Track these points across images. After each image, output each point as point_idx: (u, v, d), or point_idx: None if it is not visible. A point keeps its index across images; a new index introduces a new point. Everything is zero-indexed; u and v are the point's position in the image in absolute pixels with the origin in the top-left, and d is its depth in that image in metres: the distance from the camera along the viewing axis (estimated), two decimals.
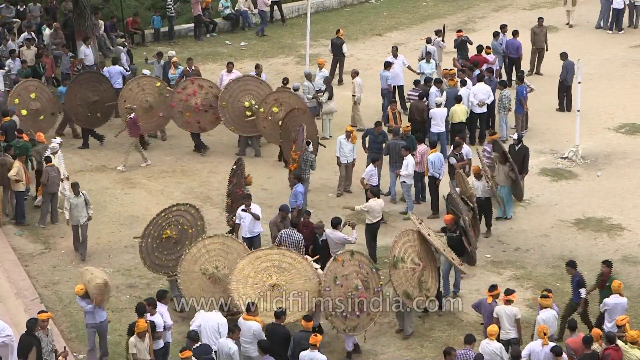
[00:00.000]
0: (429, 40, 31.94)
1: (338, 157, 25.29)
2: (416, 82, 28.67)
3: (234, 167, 22.56)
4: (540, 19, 33.41)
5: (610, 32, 37.23)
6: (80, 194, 22.48)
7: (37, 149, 25.11)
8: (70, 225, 22.63)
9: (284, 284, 18.89)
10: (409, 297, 19.21)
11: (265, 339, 17.53)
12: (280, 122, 26.08)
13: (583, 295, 18.98)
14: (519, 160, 24.26)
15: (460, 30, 32.89)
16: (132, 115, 26.42)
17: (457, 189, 21.89)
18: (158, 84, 27.98)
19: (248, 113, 27.06)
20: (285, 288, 18.84)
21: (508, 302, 18.22)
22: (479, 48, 30.88)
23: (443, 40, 32.26)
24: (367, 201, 22.30)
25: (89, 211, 22.55)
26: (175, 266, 19.86)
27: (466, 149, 24.65)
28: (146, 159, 26.99)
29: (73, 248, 22.84)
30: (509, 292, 18.45)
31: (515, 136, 25.07)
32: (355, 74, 29.60)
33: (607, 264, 19.30)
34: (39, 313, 17.93)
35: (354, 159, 25.39)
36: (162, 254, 20.48)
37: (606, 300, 18.53)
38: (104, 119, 28.39)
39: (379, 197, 22.36)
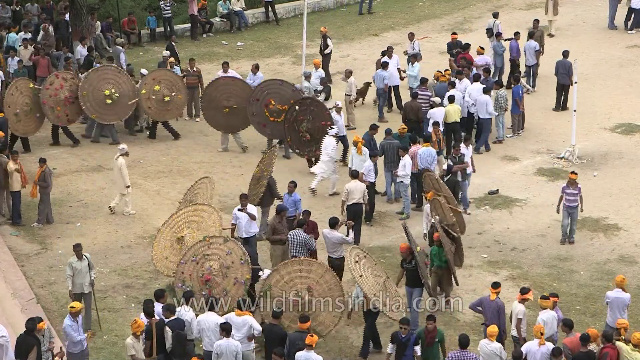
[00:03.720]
0: (411, 37, 32.04)
1: (350, 169, 24.51)
2: (422, 81, 28.49)
3: (297, 107, 25.72)
4: (536, 21, 33.02)
5: (633, 31, 36.93)
6: (84, 257, 19.58)
7: None
8: (71, 297, 19.43)
9: (187, 242, 19.84)
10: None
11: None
12: (166, 97, 28.24)
13: (418, 354, 17.79)
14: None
15: (454, 33, 32.88)
16: None
17: (437, 217, 20.89)
18: (31, 85, 28.20)
19: (108, 101, 28.07)
20: (187, 246, 19.63)
21: (523, 300, 18.15)
22: (466, 45, 30.86)
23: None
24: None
25: (92, 275, 19.62)
26: None
27: (464, 150, 24.54)
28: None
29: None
30: (524, 290, 18.28)
31: (445, 166, 23.96)
32: (349, 73, 29.60)
33: (431, 318, 17.84)
34: (38, 323, 17.58)
35: None
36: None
37: (608, 293, 18.55)
38: None
39: (357, 179, 22.81)
